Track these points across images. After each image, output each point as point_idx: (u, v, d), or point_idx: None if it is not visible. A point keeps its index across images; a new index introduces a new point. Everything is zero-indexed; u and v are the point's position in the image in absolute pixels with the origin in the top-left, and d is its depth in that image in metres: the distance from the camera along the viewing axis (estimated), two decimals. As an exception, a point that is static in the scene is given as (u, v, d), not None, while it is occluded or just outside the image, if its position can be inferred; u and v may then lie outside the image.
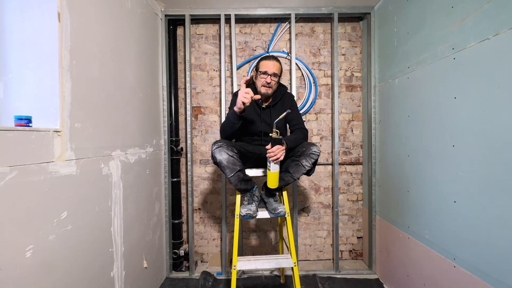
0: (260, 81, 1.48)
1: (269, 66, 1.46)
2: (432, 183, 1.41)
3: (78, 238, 1.07)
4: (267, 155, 1.31)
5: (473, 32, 1.14)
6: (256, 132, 1.54)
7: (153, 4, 1.91)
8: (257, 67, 1.52)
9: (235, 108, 1.34)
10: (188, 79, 2.10)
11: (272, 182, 1.39)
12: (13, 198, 0.80)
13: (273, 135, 1.32)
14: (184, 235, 2.23)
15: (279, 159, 1.30)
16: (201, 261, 2.28)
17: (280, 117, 1.31)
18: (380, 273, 2.01)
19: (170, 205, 2.10)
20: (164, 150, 2.06)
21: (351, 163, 2.29)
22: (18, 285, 0.81)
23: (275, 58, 1.50)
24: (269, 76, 1.45)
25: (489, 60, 1.06)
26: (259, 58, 1.55)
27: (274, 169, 1.35)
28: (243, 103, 1.29)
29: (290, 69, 2.13)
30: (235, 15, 2.08)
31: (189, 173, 2.10)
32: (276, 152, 1.29)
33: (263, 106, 1.53)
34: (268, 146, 1.31)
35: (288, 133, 1.77)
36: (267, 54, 1.59)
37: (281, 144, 1.31)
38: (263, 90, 1.48)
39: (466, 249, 1.18)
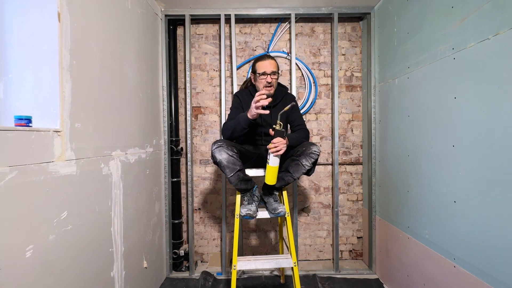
0: (261, 83, 1.47)
1: (266, 66, 1.46)
2: (432, 183, 1.41)
3: (78, 238, 1.07)
4: (267, 147, 1.30)
5: (473, 32, 1.14)
6: (257, 132, 1.54)
7: (153, 4, 1.91)
8: (254, 70, 1.52)
9: (249, 115, 1.31)
10: (188, 79, 2.10)
11: (270, 177, 1.36)
12: (13, 198, 0.80)
13: (276, 126, 1.30)
14: (184, 235, 2.23)
15: (279, 152, 1.29)
16: (201, 261, 2.28)
17: (285, 108, 1.31)
18: (380, 273, 2.01)
19: (170, 205, 2.10)
20: (164, 150, 2.07)
21: (351, 163, 2.29)
22: (18, 285, 0.81)
23: (269, 57, 1.50)
24: (268, 75, 1.45)
25: (489, 60, 1.06)
26: (254, 60, 1.54)
27: (273, 162, 1.32)
28: (262, 107, 1.27)
29: (290, 69, 2.13)
30: (235, 15, 2.08)
31: (189, 173, 2.10)
32: (277, 144, 1.28)
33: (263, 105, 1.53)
34: (273, 141, 1.28)
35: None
36: (261, 55, 1.58)
37: (283, 136, 1.30)
38: (265, 91, 1.48)
39: (466, 249, 1.18)
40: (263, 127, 1.53)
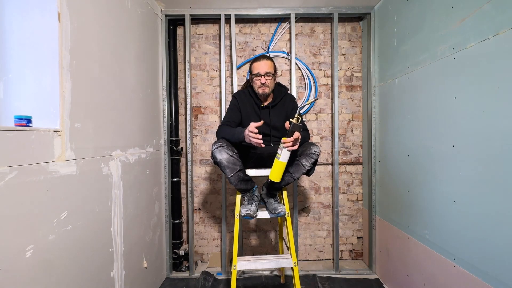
0: (256, 84, 1.48)
1: (260, 67, 1.46)
2: (432, 183, 1.41)
3: (78, 238, 1.07)
4: (282, 140, 1.23)
5: (473, 32, 1.14)
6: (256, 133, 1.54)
7: (153, 4, 1.91)
8: (250, 71, 1.52)
9: (246, 139, 1.27)
10: (188, 79, 2.10)
11: (277, 173, 1.28)
12: (13, 198, 0.80)
13: (294, 120, 1.22)
14: (184, 235, 2.23)
15: (294, 147, 1.22)
16: (201, 261, 2.28)
17: (310, 101, 1.29)
18: (380, 273, 2.01)
19: (170, 205, 2.10)
20: (164, 150, 2.06)
21: (351, 163, 2.29)
22: (18, 285, 0.81)
23: (265, 57, 1.50)
24: (262, 76, 1.45)
25: (489, 60, 1.06)
26: (251, 61, 1.54)
27: (284, 158, 1.24)
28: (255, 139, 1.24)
29: (290, 69, 2.13)
30: (235, 15, 2.08)
31: (189, 173, 2.10)
32: (295, 138, 1.20)
33: (262, 105, 1.53)
34: (285, 139, 1.22)
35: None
36: (258, 56, 1.59)
37: (300, 131, 1.23)
38: (260, 91, 1.48)
39: (466, 249, 1.18)
40: (262, 127, 1.53)
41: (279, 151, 1.26)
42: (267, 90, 1.48)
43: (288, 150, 1.23)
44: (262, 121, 1.27)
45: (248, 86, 1.63)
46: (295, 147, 1.23)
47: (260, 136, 1.23)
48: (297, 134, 1.21)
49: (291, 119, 1.24)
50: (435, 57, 1.37)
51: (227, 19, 2.13)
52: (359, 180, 2.29)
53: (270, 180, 1.34)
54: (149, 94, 1.83)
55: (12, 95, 1.03)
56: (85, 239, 1.12)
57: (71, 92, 1.04)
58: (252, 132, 1.23)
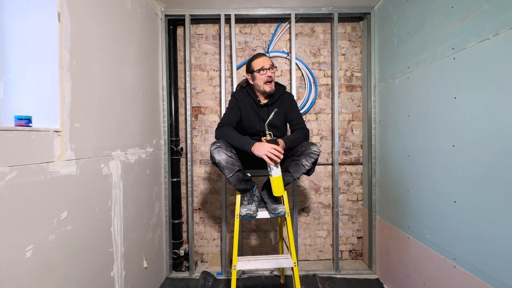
0: (262, 79, 1.47)
1: (264, 61, 1.47)
2: (432, 183, 1.41)
3: (78, 238, 1.07)
4: (265, 159, 1.26)
5: (473, 32, 1.14)
6: (255, 132, 1.54)
7: (153, 4, 1.91)
8: (251, 69, 1.51)
9: (254, 150, 1.28)
10: (188, 79, 2.10)
11: (278, 188, 1.31)
12: (13, 198, 0.80)
13: (267, 137, 1.29)
14: (184, 235, 2.23)
15: (278, 160, 1.27)
16: (201, 261, 2.28)
17: (270, 117, 1.29)
18: (380, 273, 2.01)
19: (170, 205, 2.10)
20: (164, 150, 2.07)
21: (351, 163, 2.29)
22: (18, 285, 0.81)
23: (264, 54, 1.53)
24: (268, 70, 1.45)
25: (489, 60, 1.06)
26: (248, 61, 1.54)
27: (276, 173, 1.29)
28: (269, 158, 1.25)
29: (290, 69, 2.13)
30: (235, 15, 2.08)
31: (189, 173, 2.10)
32: (274, 153, 1.24)
33: (261, 104, 1.53)
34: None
35: (289, 133, 1.77)
36: (255, 53, 1.61)
37: (277, 143, 1.28)
38: (267, 88, 1.48)
39: (466, 249, 1.18)
40: (261, 125, 1.53)
41: (268, 169, 1.30)
42: (273, 86, 1.49)
43: (275, 166, 1.28)
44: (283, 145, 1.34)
45: (244, 86, 1.63)
46: (279, 160, 1.27)
47: (282, 155, 1.27)
48: (273, 147, 1.25)
49: (264, 138, 1.31)
50: (435, 57, 1.37)
51: (227, 19, 2.13)
52: (359, 180, 2.29)
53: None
54: (149, 94, 1.83)
55: (12, 95, 1.03)
56: (85, 239, 1.12)
57: (71, 92, 1.05)
58: (276, 150, 1.25)
